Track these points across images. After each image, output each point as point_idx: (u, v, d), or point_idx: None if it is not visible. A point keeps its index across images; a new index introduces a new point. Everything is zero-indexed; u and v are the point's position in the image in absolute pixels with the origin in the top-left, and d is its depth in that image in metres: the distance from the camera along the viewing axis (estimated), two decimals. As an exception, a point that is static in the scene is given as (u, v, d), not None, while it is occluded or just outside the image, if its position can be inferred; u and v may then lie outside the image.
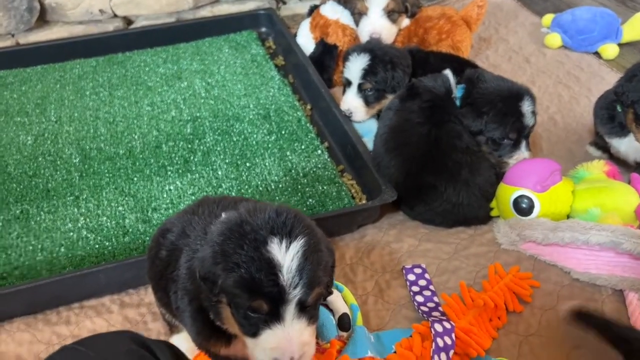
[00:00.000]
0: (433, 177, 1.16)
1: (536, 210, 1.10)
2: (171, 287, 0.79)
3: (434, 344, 0.89)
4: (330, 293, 0.74)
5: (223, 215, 0.75)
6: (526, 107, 1.21)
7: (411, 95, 1.25)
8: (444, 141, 1.17)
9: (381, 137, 1.25)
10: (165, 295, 0.82)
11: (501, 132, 1.20)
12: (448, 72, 1.28)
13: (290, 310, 0.65)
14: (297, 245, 0.65)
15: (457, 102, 1.25)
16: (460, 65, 1.38)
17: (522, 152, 1.23)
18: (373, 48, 1.40)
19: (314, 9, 1.74)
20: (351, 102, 1.42)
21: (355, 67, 1.39)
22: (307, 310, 0.67)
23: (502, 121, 1.19)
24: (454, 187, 1.15)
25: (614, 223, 1.05)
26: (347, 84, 1.44)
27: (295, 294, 0.65)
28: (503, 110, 1.19)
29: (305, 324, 0.67)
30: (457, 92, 1.26)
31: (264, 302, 0.65)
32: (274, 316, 0.66)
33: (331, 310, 0.93)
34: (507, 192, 1.13)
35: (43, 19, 1.83)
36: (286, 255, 0.65)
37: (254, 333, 0.67)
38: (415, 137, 1.19)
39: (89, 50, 1.76)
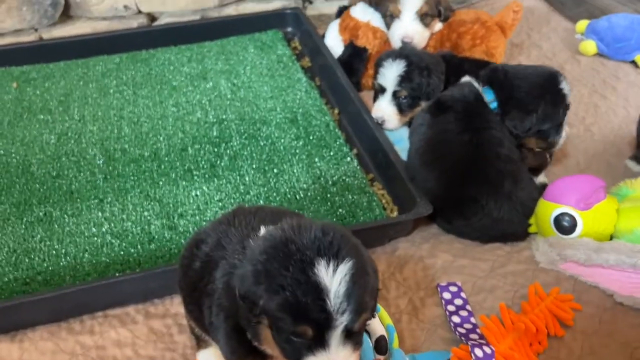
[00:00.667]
0: (475, 189, 1.12)
1: (579, 229, 1.06)
2: (205, 301, 0.76)
3: (474, 369, 0.85)
4: (375, 317, 0.71)
5: (262, 229, 0.72)
6: (565, 86, 1.19)
7: (442, 109, 1.21)
8: (486, 148, 1.14)
9: (417, 151, 1.21)
10: (197, 308, 0.79)
11: (554, 122, 1.17)
12: (470, 79, 1.23)
13: (336, 337, 0.62)
14: (344, 269, 0.62)
15: (492, 106, 1.20)
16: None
17: (566, 128, 1.23)
18: (408, 54, 1.36)
19: (343, 10, 1.70)
20: (385, 109, 1.38)
21: (390, 74, 1.35)
22: (353, 336, 0.64)
23: (554, 111, 1.17)
24: (496, 200, 1.10)
25: (661, 245, 1.00)
26: (381, 90, 1.39)
27: (342, 321, 0.62)
28: (551, 101, 1.16)
29: (350, 351, 0.64)
30: (487, 96, 1.21)
31: (309, 328, 0.62)
32: (319, 342, 0.63)
33: (368, 333, 0.90)
34: (548, 209, 1.09)
35: (67, 14, 1.81)
36: (334, 279, 0.61)
37: (297, 359, 0.64)
38: (456, 146, 1.15)
39: (112, 46, 1.73)
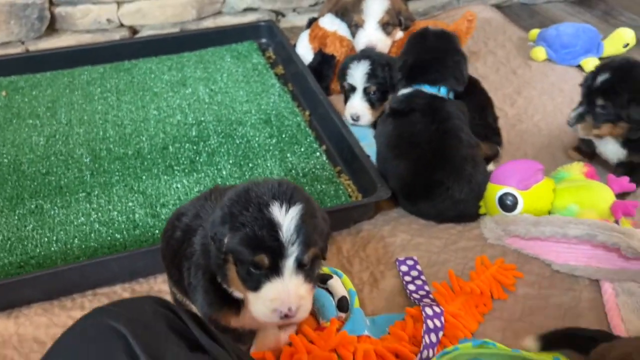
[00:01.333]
0: (442, 173, 1.24)
1: (520, 207, 1.19)
2: (184, 264, 0.87)
3: (424, 325, 0.97)
4: (325, 258, 0.82)
5: None
6: None
7: (406, 112, 1.34)
8: (451, 135, 1.27)
9: (387, 146, 1.33)
10: (178, 272, 0.89)
11: None
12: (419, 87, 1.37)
13: (288, 266, 0.73)
14: (295, 210, 0.74)
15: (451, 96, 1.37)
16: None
17: None
18: (370, 54, 1.52)
19: (312, 21, 1.83)
20: (358, 106, 1.53)
21: (358, 73, 1.50)
22: (304, 269, 0.75)
23: None
24: (459, 183, 1.23)
25: (591, 218, 1.13)
26: (351, 90, 1.53)
27: (292, 250, 0.73)
28: None
29: (302, 280, 0.75)
30: (443, 92, 1.36)
31: (265, 257, 0.73)
32: (274, 271, 0.74)
33: (331, 294, 1.01)
34: (494, 190, 1.22)
35: (52, 27, 1.91)
36: (285, 217, 0.73)
37: (256, 287, 0.74)
38: (423, 137, 1.27)
39: (96, 57, 1.84)
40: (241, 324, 0.82)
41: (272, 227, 0.72)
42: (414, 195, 1.27)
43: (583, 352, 0.94)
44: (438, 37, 1.42)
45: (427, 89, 1.35)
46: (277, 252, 0.72)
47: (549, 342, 0.97)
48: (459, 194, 1.24)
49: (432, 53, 1.39)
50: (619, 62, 1.28)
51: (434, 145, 1.27)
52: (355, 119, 1.54)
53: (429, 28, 1.44)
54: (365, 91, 1.53)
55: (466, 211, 1.27)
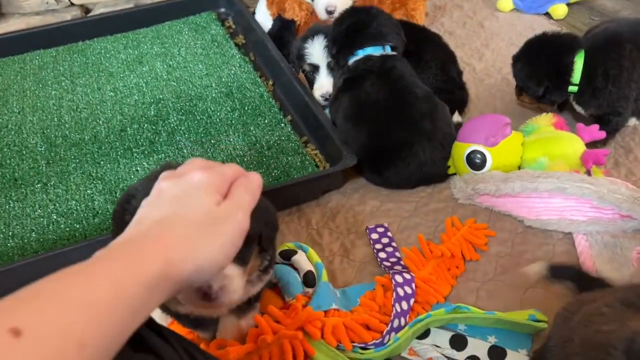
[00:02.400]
0: (401, 132, 1.20)
1: (488, 164, 1.16)
2: None
3: (394, 293, 0.94)
4: (265, 247, 0.76)
5: None
6: None
7: (357, 82, 1.28)
8: (405, 92, 1.22)
9: (345, 118, 1.27)
10: None
11: None
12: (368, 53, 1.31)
13: None
14: None
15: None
16: (416, 33, 1.44)
17: None
18: (320, 29, 1.42)
19: (269, -14, 1.76)
20: (326, 83, 1.41)
21: (316, 51, 1.40)
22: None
23: None
24: (419, 141, 1.19)
25: (562, 170, 1.11)
26: (314, 69, 1.43)
27: None
28: None
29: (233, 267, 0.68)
30: (388, 50, 1.31)
31: None
32: None
33: (297, 270, 0.98)
34: (461, 149, 1.18)
35: (-1, 12, 1.82)
36: None
37: None
38: (379, 101, 1.22)
39: (47, 40, 1.75)
40: (188, 310, 0.78)
41: None
42: (378, 162, 1.23)
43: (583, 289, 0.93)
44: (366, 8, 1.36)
45: (374, 51, 1.29)
46: None
47: (556, 272, 1.00)
48: (422, 154, 1.20)
49: (364, 15, 1.32)
50: None
51: (390, 105, 1.22)
52: (328, 97, 1.43)
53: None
54: (329, 66, 1.42)
55: (432, 172, 1.23)
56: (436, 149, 1.20)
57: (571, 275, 1.00)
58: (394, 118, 1.22)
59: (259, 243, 0.74)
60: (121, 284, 0.45)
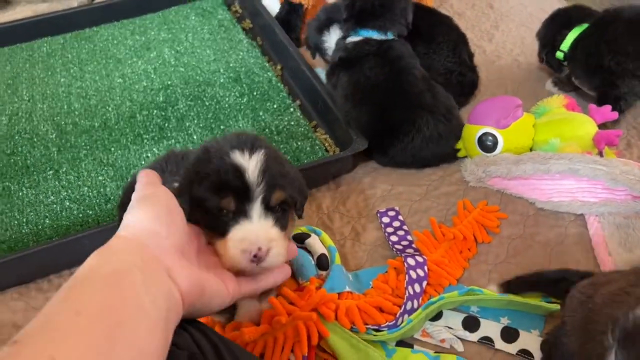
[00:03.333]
0: (403, 111, 1.20)
1: (500, 146, 1.15)
2: None
3: (407, 276, 0.95)
4: (300, 213, 0.79)
5: None
6: None
7: (354, 62, 1.29)
8: (405, 73, 1.24)
9: (346, 97, 1.28)
10: None
11: None
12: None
13: (256, 208, 0.70)
14: (258, 154, 0.71)
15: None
16: (427, 16, 1.43)
17: None
18: (334, 18, 1.41)
19: (276, -30, 1.74)
20: None
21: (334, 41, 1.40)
22: (274, 213, 0.72)
23: None
24: (421, 115, 1.19)
25: (573, 152, 1.10)
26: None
27: (259, 192, 0.70)
28: None
29: (271, 223, 0.72)
30: (389, 36, 1.30)
31: (231, 199, 0.70)
32: (242, 213, 0.71)
33: (310, 253, 0.98)
34: (472, 131, 1.18)
35: (5, 0, 1.81)
36: (250, 161, 0.70)
37: (224, 232, 0.71)
38: (380, 81, 1.23)
39: (55, 27, 1.75)
40: None
41: (236, 170, 0.70)
42: (383, 141, 1.23)
43: (555, 294, 0.92)
44: None
45: (376, 35, 1.29)
46: (243, 195, 0.70)
47: (510, 288, 0.95)
48: (426, 129, 1.20)
49: None
50: None
51: (390, 85, 1.23)
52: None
53: None
54: None
55: (438, 150, 1.22)
56: (439, 122, 1.20)
57: (528, 286, 0.96)
58: (395, 97, 1.22)
59: (295, 207, 0.77)
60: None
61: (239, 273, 0.70)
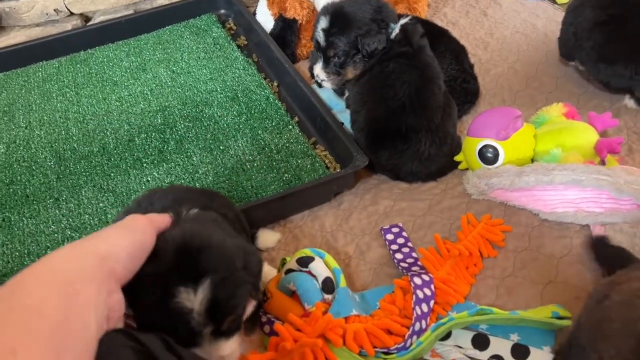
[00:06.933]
0: (415, 117, 1.19)
1: (501, 158, 1.15)
2: None
3: (414, 296, 0.94)
4: (261, 300, 0.79)
5: None
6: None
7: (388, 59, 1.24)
8: (431, 81, 1.21)
9: (369, 88, 1.25)
10: None
11: None
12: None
13: (206, 339, 0.68)
14: (203, 288, 0.65)
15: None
16: (427, 27, 1.42)
17: None
18: (341, 5, 1.28)
19: (269, -14, 1.74)
20: (319, 69, 1.34)
21: (319, 29, 1.30)
22: (225, 333, 0.70)
23: None
24: (427, 131, 1.19)
25: (575, 161, 1.09)
26: (318, 48, 1.33)
27: (208, 330, 0.67)
28: None
29: (224, 341, 0.69)
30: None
31: (180, 340, 0.64)
32: (192, 344, 0.68)
33: (315, 277, 0.97)
34: (473, 144, 1.17)
35: (-1, 25, 1.81)
36: (195, 300, 0.65)
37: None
38: (403, 82, 1.20)
39: (50, 51, 1.74)
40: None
41: (181, 316, 0.65)
42: (381, 139, 1.21)
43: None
44: None
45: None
46: (191, 338, 0.66)
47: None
48: (423, 145, 1.19)
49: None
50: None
51: (412, 90, 1.19)
52: (320, 81, 1.36)
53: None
54: (325, 53, 1.30)
55: (421, 168, 1.22)
56: (434, 145, 1.20)
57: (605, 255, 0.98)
58: (412, 102, 1.19)
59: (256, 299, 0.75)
60: None
61: None
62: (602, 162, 1.14)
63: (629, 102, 1.37)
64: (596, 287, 0.79)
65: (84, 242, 0.61)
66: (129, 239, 0.63)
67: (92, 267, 0.56)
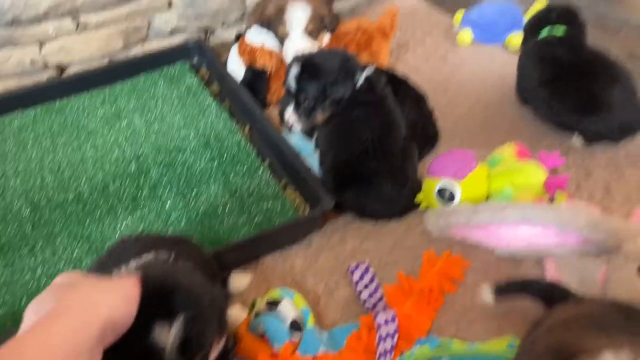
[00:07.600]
0: (377, 161, 1.28)
1: (458, 197, 1.22)
2: None
3: (378, 333, 0.99)
4: (231, 342, 0.84)
5: (132, 263, 0.82)
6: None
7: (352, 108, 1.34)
8: (393, 129, 1.31)
9: (326, 138, 1.37)
10: None
11: None
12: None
13: None
14: (177, 325, 0.69)
15: None
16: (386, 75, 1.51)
17: None
18: (312, 56, 1.42)
19: (239, 36, 1.82)
20: (289, 113, 1.44)
21: (291, 75, 1.38)
22: None
23: None
24: (389, 176, 1.27)
25: (526, 199, 1.17)
26: (289, 93, 1.42)
27: None
28: None
29: None
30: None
31: None
32: None
33: (283, 318, 1.02)
34: (432, 184, 1.25)
35: (-25, 77, 1.85)
36: (169, 336, 0.68)
37: None
38: (370, 124, 1.30)
39: (25, 101, 1.79)
40: None
41: (156, 352, 0.68)
42: (346, 179, 1.30)
43: (545, 300, 0.97)
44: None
45: None
46: None
47: (503, 291, 1.02)
48: (386, 188, 1.27)
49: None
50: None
51: (375, 135, 1.28)
52: (290, 126, 1.43)
53: None
54: (297, 98, 1.37)
55: (383, 210, 1.31)
56: (396, 186, 1.28)
57: (520, 290, 1.03)
58: (376, 147, 1.28)
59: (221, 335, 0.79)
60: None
61: None
62: (551, 199, 1.22)
63: (576, 140, 1.47)
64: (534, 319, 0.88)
65: (89, 301, 0.63)
66: (124, 310, 0.65)
67: (92, 339, 0.59)
